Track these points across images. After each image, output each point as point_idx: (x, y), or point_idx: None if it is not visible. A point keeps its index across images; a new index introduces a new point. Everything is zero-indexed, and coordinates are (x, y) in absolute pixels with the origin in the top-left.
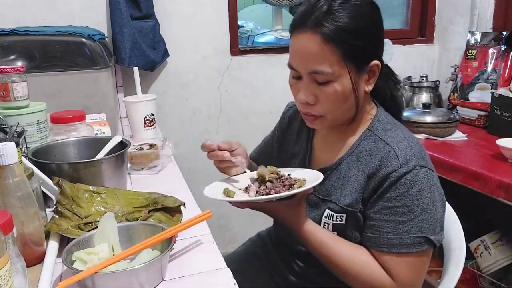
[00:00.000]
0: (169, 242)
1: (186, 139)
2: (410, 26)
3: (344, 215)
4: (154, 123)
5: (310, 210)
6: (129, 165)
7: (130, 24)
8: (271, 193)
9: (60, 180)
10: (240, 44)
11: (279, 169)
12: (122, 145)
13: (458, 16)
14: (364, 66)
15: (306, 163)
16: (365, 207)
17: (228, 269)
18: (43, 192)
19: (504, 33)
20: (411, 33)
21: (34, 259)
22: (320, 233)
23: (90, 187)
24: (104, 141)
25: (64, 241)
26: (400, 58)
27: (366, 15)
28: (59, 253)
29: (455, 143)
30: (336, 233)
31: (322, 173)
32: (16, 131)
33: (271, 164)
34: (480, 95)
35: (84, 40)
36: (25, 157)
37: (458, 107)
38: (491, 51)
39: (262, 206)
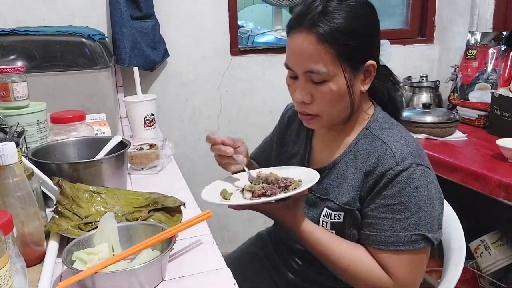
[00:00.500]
0: (169, 242)
1: (186, 139)
2: (410, 26)
3: (342, 213)
4: (154, 123)
5: (308, 209)
6: (129, 165)
7: (130, 24)
8: (267, 193)
9: (60, 180)
10: (240, 44)
11: (276, 171)
12: (122, 145)
13: (458, 16)
14: (359, 66)
15: (305, 163)
16: (363, 205)
17: (228, 269)
18: (43, 192)
19: (504, 33)
20: (411, 33)
21: (34, 259)
22: (318, 233)
23: (90, 187)
24: (104, 141)
25: (64, 241)
26: (400, 58)
27: (361, 15)
28: (59, 253)
29: (455, 143)
30: (334, 231)
31: (321, 172)
32: (16, 131)
33: (271, 164)
34: (480, 95)
35: (84, 40)
36: (25, 157)
37: (458, 107)
38: (491, 51)
39: (259, 207)
